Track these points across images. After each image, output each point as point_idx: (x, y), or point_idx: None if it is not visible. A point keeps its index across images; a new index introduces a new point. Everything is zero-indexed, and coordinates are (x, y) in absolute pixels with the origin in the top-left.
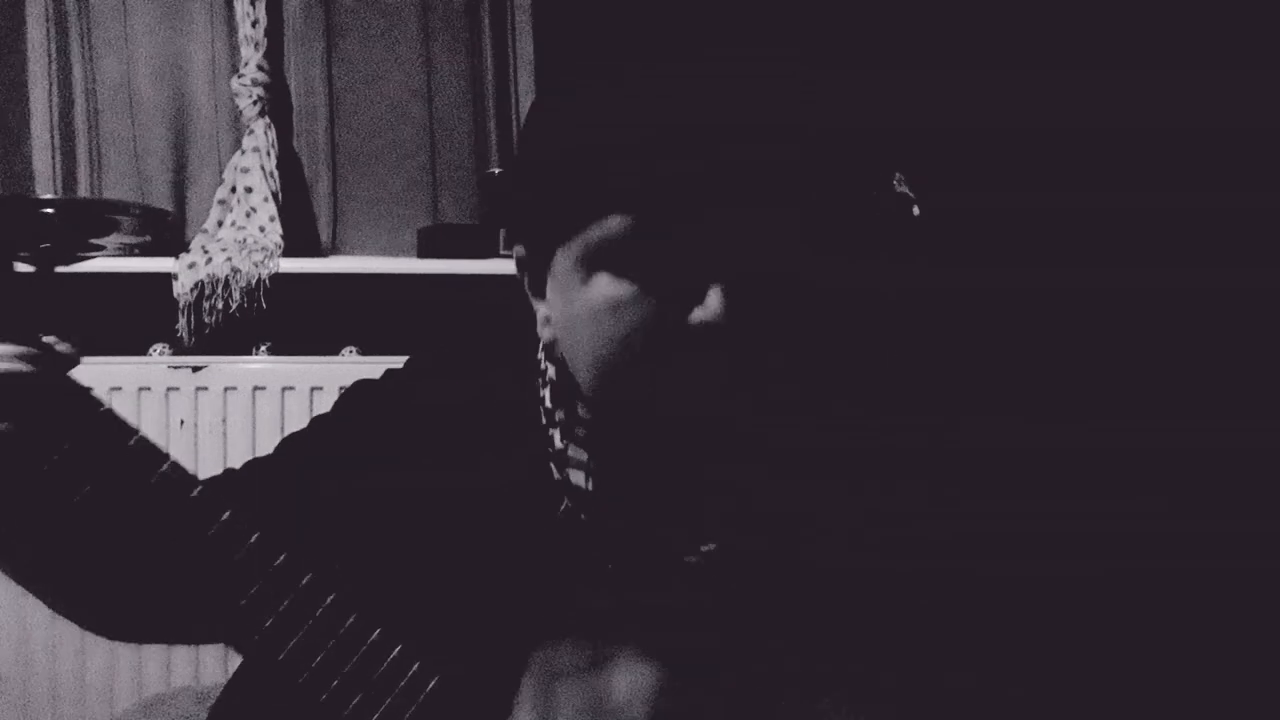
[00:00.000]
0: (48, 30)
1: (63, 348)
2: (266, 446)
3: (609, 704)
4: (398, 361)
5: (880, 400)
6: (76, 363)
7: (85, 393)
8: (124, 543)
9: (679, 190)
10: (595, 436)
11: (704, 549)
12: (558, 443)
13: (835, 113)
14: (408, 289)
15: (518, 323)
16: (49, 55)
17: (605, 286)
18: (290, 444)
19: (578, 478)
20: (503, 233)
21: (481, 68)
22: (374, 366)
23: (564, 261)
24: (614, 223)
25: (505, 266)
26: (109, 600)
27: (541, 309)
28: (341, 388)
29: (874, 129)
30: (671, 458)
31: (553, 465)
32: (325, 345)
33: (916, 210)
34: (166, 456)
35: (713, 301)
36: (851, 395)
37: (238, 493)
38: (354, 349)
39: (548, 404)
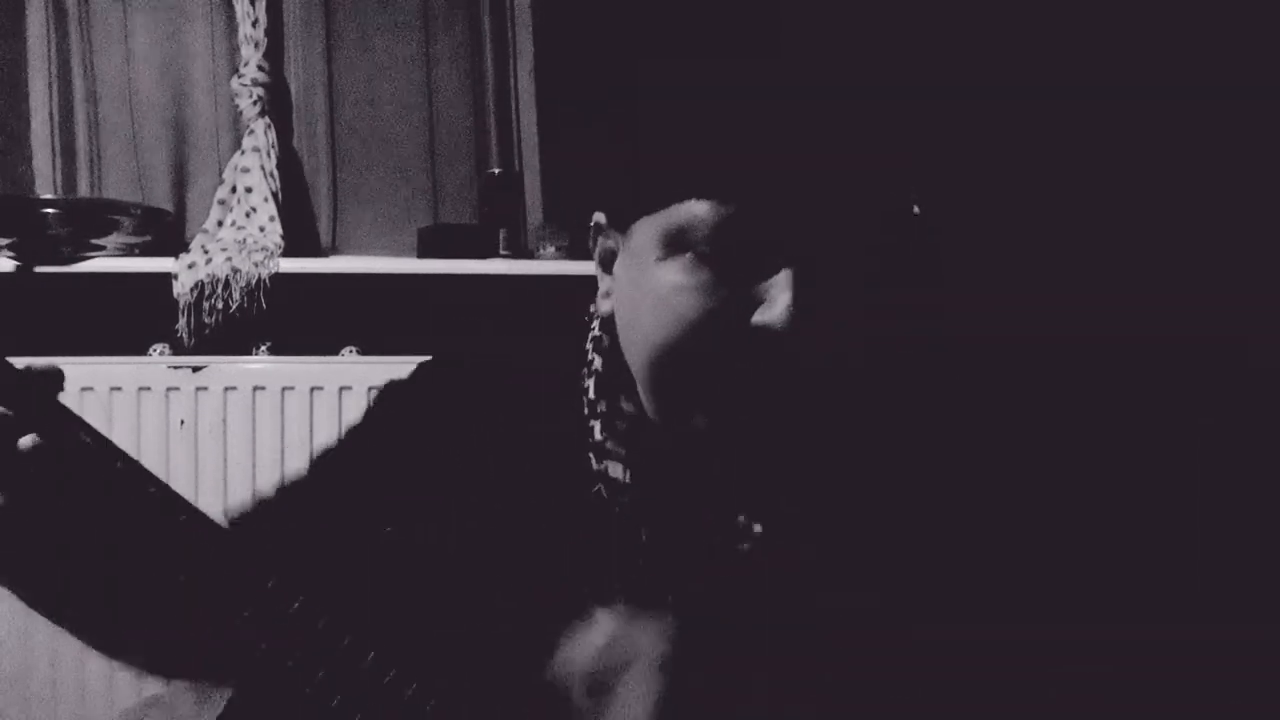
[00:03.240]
0: (48, 30)
1: (42, 364)
2: (266, 446)
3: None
4: (398, 361)
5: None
6: (59, 385)
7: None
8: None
9: (775, 193)
10: (636, 431)
11: (755, 530)
12: (598, 434)
13: (896, 130)
14: (408, 289)
15: (556, 325)
16: (49, 55)
17: (681, 270)
18: (325, 467)
19: (615, 470)
20: (503, 233)
21: (481, 68)
22: (374, 366)
23: (645, 234)
24: (703, 209)
25: (505, 267)
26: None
27: (605, 282)
28: (341, 387)
29: (905, 149)
30: (713, 450)
31: (591, 456)
32: (325, 345)
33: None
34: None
35: (779, 306)
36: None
37: (269, 540)
38: (354, 349)
39: (591, 395)
